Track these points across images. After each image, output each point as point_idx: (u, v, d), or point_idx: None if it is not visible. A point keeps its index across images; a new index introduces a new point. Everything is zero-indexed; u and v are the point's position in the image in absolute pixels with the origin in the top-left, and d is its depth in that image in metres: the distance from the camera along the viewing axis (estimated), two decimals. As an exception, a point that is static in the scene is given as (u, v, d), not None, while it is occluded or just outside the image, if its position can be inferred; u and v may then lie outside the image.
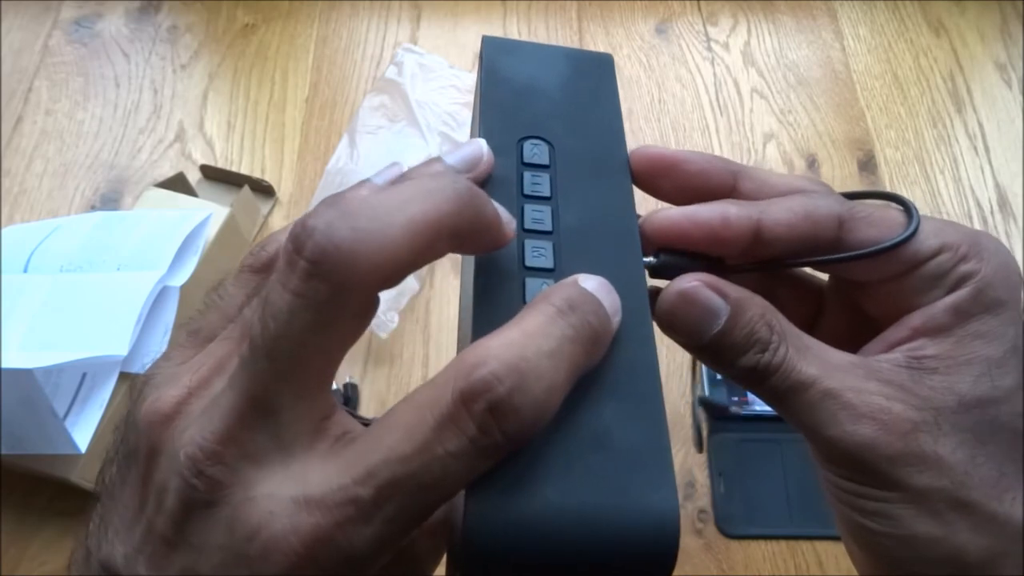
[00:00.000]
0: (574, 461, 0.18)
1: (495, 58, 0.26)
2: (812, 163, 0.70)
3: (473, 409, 0.16)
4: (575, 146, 0.24)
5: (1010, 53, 0.77)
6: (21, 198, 0.67)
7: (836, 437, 0.21)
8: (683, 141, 0.71)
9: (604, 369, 0.19)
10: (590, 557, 0.17)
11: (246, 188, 0.64)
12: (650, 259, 0.23)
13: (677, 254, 0.23)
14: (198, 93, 0.73)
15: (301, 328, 0.17)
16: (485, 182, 0.23)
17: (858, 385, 0.22)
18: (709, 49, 0.77)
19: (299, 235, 0.17)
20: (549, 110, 0.25)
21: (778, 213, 0.23)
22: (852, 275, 0.24)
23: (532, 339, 0.17)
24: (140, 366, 0.51)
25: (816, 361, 0.22)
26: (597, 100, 0.26)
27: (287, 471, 0.17)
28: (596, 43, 0.77)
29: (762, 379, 0.22)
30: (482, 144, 0.22)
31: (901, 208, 0.23)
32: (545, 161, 0.23)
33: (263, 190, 0.66)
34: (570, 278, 0.20)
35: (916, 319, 0.23)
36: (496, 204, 0.20)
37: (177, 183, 0.63)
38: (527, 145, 0.23)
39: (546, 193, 0.22)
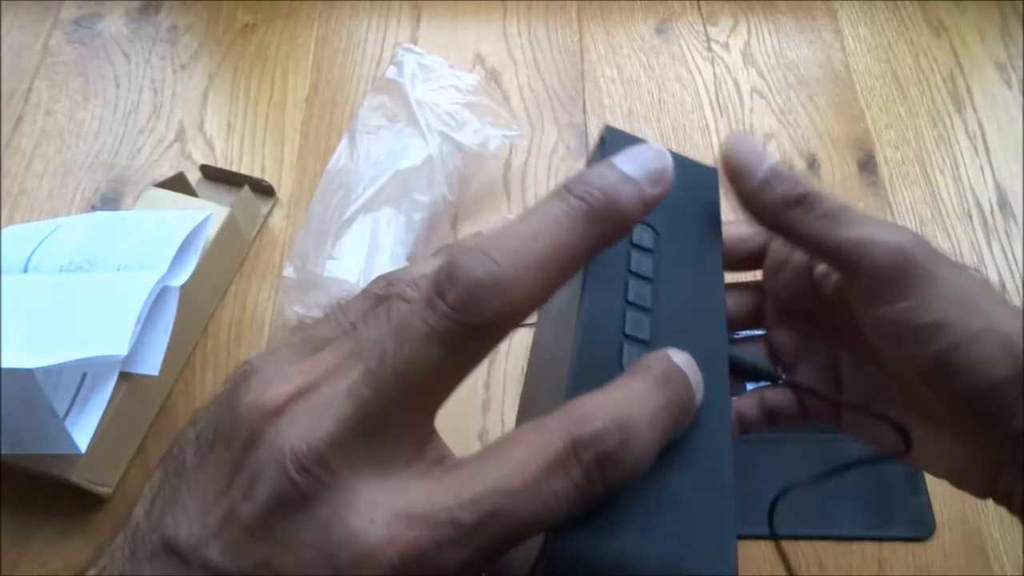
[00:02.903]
0: (650, 518, 0.20)
1: (614, 149, 0.29)
2: (812, 163, 0.70)
3: (583, 457, 0.18)
4: (677, 236, 0.27)
5: (1010, 53, 0.77)
6: (21, 198, 0.67)
7: (883, 240, 0.27)
8: (683, 141, 0.71)
9: (684, 440, 0.21)
10: None
11: (246, 188, 0.64)
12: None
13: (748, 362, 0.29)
14: (198, 93, 0.73)
15: (434, 359, 0.18)
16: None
17: (878, 220, 0.28)
18: (709, 49, 0.77)
19: (443, 283, 0.18)
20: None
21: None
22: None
23: (635, 403, 0.19)
24: (140, 366, 0.51)
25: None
26: (700, 201, 0.29)
27: (383, 485, 0.18)
28: (596, 43, 0.77)
29: (814, 205, 0.28)
30: (665, 154, 0.22)
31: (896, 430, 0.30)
32: (650, 245, 0.26)
33: (263, 190, 0.66)
34: (662, 351, 0.22)
35: None
36: (627, 175, 0.21)
37: (177, 183, 0.63)
38: (636, 228, 0.26)
39: (648, 273, 0.26)
